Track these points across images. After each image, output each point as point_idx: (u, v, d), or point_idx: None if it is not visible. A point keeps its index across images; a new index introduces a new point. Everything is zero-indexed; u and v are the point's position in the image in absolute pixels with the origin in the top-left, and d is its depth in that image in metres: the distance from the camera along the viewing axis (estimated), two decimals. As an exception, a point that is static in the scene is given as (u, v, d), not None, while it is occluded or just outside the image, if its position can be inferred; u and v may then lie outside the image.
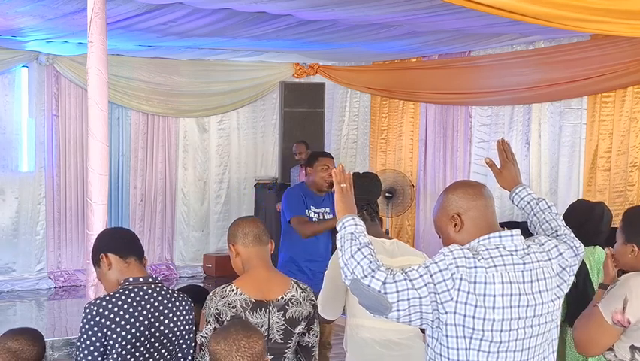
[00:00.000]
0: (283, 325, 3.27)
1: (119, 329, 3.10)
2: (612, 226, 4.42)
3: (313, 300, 3.40)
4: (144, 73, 9.98)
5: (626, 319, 3.02)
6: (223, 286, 3.27)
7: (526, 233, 2.70)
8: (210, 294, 3.26)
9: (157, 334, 3.20)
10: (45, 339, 3.39)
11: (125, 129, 10.05)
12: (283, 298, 3.29)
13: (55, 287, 9.56)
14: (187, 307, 3.33)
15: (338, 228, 2.65)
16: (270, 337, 3.24)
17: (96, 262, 3.33)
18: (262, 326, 3.22)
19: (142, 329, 3.15)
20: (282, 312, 3.27)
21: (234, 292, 3.23)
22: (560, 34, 7.80)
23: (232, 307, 3.19)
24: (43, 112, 9.49)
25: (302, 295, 3.35)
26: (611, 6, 4.18)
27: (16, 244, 9.42)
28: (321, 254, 5.58)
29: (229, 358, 2.45)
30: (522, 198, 3.01)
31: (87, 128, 4.35)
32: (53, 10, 6.32)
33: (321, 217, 5.67)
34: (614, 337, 3.09)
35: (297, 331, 3.31)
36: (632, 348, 3.08)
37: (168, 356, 3.27)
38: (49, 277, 9.60)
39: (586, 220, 4.21)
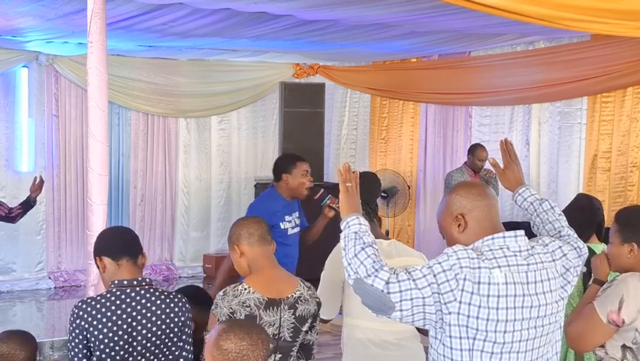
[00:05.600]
0: (293, 323, 3.29)
1: (96, 332, 3.12)
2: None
3: (317, 298, 3.42)
4: (144, 73, 9.96)
5: (621, 319, 3.03)
6: (234, 285, 3.26)
7: (529, 234, 2.70)
8: (221, 293, 3.24)
9: (139, 337, 3.18)
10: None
11: (125, 129, 10.03)
12: (293, 296, 3.30)
13: (55, 287, 9.54)
14: (177, 309, 3.27)
15: (342, 227, 2.65)
16: (280, 335, 3.25)
17: (96, 264, 3.35)
18: (274, 325, 3.23)
19: (120, 332, 3.14)
20: (293, 310, 3.28)
21: (247, 290, 3.22)
22: (560, 35, 7.80)
23: (246, 306, 3.18)
24: (43, 112, 9.46)
25: (308, 292, 3.37)
26: (611, 6, 4.18)
27: (16, 244, 9.40)
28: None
29: (256, 352, 2.42)
30: (525, 199, 3.01)
31: (87, 128, 4.34)
32: (53, 10, 6.31)
33: (294, 224, 5.45)
34: (607, 335, 3.10)
35: (304, 328, 3.33)
36: (624, 347, 3.10)
37: (155, 360, 3.24)
38: (49, 277, 9.57)
39: (582, 221, 4.20)
